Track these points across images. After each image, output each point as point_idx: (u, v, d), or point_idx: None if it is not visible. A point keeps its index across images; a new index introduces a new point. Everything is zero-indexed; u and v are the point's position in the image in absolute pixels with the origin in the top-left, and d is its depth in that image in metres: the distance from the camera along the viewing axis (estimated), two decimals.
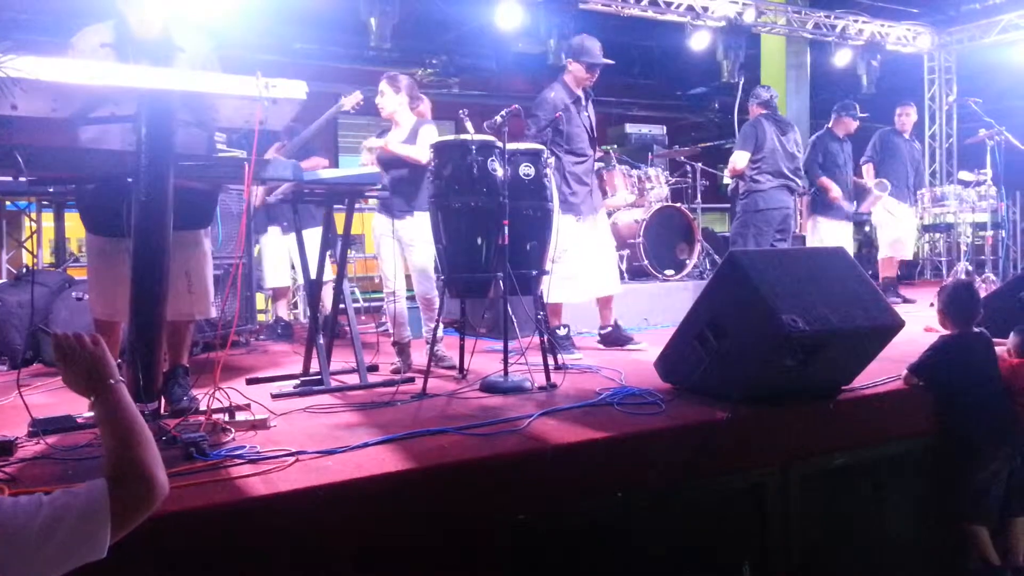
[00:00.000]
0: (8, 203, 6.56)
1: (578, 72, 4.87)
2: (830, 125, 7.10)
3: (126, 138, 2.95)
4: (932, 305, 3.84)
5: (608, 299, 5.08)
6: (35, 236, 6.76)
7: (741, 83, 8.99)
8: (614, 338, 5.04)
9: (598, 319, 5.14)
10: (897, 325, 3.32)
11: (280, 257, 6.05)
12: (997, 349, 3.60)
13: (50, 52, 2.66)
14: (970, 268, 7.97)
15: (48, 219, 6.83)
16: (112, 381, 1.52)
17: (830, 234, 6.84)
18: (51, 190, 5.58)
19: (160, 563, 2.00)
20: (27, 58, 2.46)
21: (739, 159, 6.30)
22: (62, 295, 4.73)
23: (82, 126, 3.10)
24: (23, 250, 6.87)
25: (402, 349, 4.36)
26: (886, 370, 3.62)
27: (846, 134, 7.03)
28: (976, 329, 3.57)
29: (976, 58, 11.10)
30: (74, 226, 7.96)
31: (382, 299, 4.85)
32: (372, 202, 8.31)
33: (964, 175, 8.20)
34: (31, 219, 6.76)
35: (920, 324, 4.88)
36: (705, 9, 9.39)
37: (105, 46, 3.14)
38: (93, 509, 1.38)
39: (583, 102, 4.93)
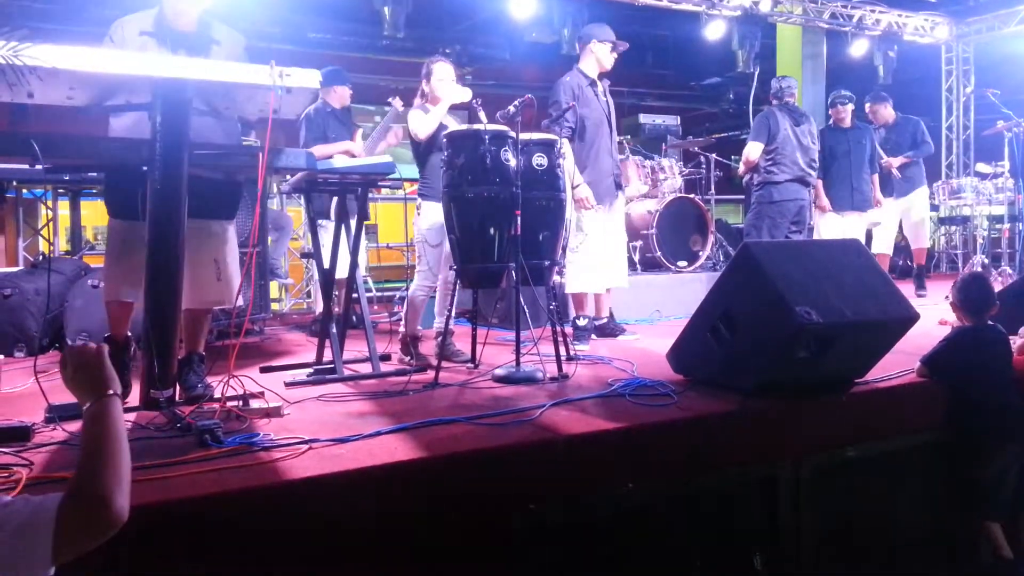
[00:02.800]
0: (25, 191, 6.62)
1: (602, 52, 4.88)
2: (830, 119, 7.00)
3: None
4: (947, 298, 3.82)
5: (608, 292, 5.10)
6: (51, 224, 6.81)
7: (756, 73, 8.93)
8: (609, 330, 5.07)
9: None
10: (912, 318, 3.30)
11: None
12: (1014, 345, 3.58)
13: (65, 40, 2.68)
14: (986, 261, 7.91)
15: (64, 207, 6.88)
16: (110, 392, 1.51)
17: (832, 227, 6.72)
18: (67, 178, 5.62)
19: (173, 548, 2.02)
20: (42, 46, 2.48)
21: (752, 150, 6.25)
22: (78, 283, 4.77)
23: (114, 114, 3.13)
24: (39, 238, 6.92)
25: (415, 342, 4.34)
26: (900, 363, 3.60)
27: (842, 121, 6.87)
28: (990, 323, 3.54)
29: (994, 49, 10.99)
30: (90, 214, 8.03)
31: (396, 289, 4.84)
32: (384, 192, 8.37)
33: (981, 167, 8.12)
34: (47, 207, 6.81)
35: (935, 317, 4.85)
36: None
37: (144, 34, 3.19)
38: (34, 525, 1.30)
39: (598, 86, 4.91)
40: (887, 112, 7.32)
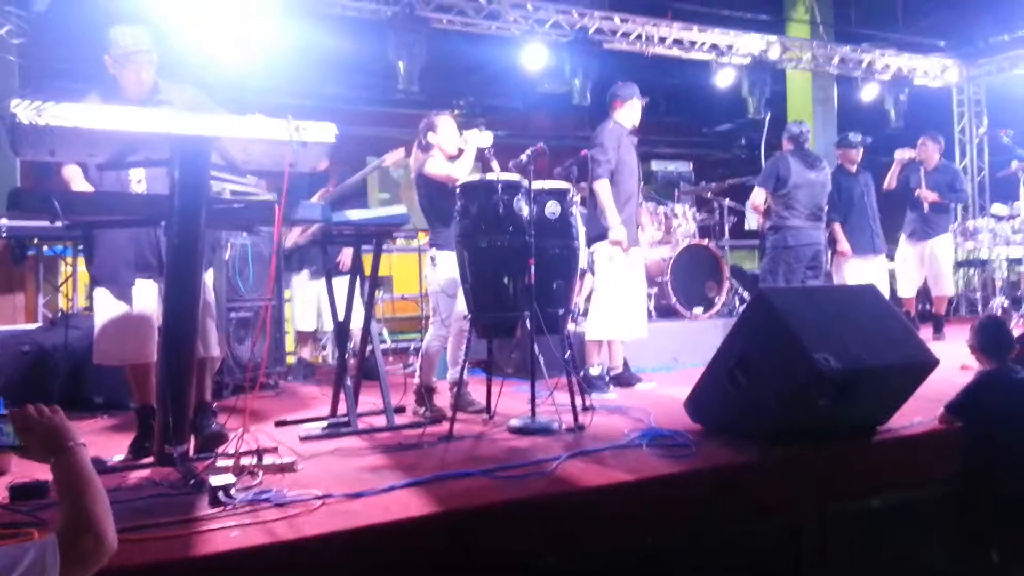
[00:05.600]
0: (46, 248, 6.70)
1: (636, 108, 5.04)
2: (839, 162, 7.01)
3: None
4: (967, 343, 3.77)
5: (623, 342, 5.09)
6: (71, 280, 6.87)
7: (767, 119, 8.98)
8: (624, 379, 5.04)
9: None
10: (931, 363, 3.26)
11: (308, 300, 6.08)
12: None
13: (85, 100, 2.74)
14: (1006, 304, 7.81)
15: (83, 263, 6.94)
16: (71, 444, 1.57)
17: (855, 273, 6.70)
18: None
19: None
20: (65, 105, 2.53)
21: (756, 196, 6.31)
22: None
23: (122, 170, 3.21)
24: (59, 294, 6.98)
25: (430, 393, 4.31)
26: (922, 409, 3.54)
27: (853, 164, 6.89)
28: (1012, 366, 3.48)
29: (1006, 89, 11.01)
30: None
31: (411, 340, 4.82)
32: (401, 242, 8.42)
33: (997, 208, 8.07)
34: (67, 263, 6.88)
35: (955, 362, 4.77)
36: (730, 47, 9.43)
37: None
38: (39, 567, 1.41)
39: (632, 139, 5.04)
40: (936, 153, 7.34)
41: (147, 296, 3.35)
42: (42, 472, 2.87)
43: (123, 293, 3.30)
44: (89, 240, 3.39)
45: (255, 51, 6.74)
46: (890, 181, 7.26)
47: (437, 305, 4.38)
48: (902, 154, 7.17)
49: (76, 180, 3.31)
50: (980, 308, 9.39)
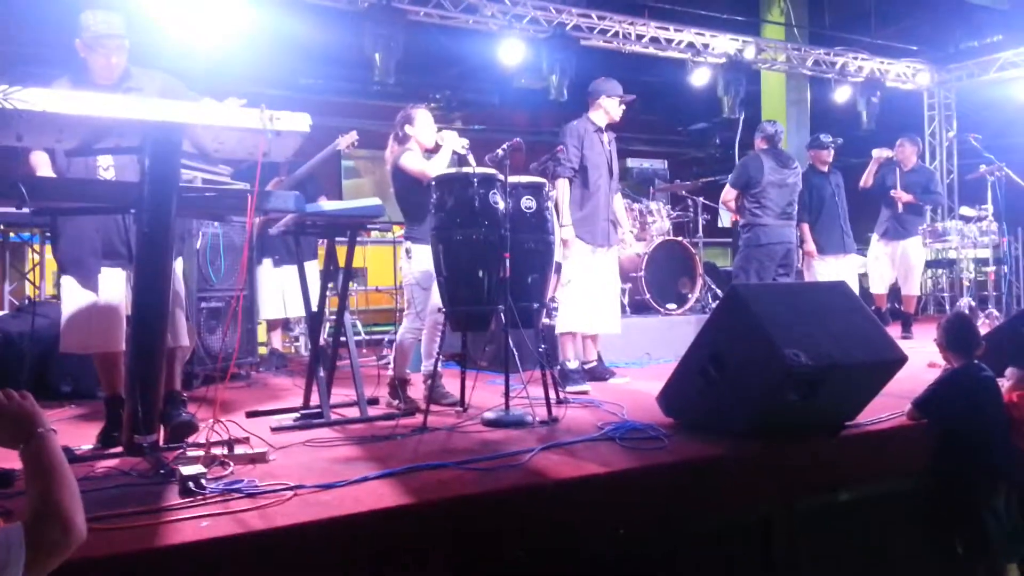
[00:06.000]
0: (12, 235, 6.59)
1: (610, 106, 5.02)
2: (810, 162, 7.10)
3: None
4: (934, 340, 3.83)
5: (595, 336, 5.10)
6: (38, 267, 6.77)
7: (742, 119, 9.06)
8: (598, 373, 5.05)
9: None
10: (900, 360, 3.31)
11: (273, 289, 6.04)
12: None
13: (53, 85, 2.69)
14: (973, 304, 7.94)
15: (51, 251, 6.85)
16: (40, 430, 1.55)
17: (826, 272, 6.77)
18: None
19: None
20: (32, 90, 2.48)
21: (727, 192, 6.44)
22: None
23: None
24: (26, 281, 6.88)
25: (403, 385, 4.30)
26: (888, 406, 3.60)
27: (825, 164, 6.98)
28: (978, 363, 3.55)
29: (975, 95, 11.19)
30: None
31: (384, 332, 4.80)
32: (375, 234, 8.38)
33: (965, 211, 8.20)
34: (34, 251, 6.78)
35: (922, 360, 4.85)
36: (706, 46, 9.49)
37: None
38: (3, 556, 1.37)
39: (604, 135, 5.02)
40: (913, 155, 7.43)
41: (115, 284, 3.31)
42: (7, 460, 2.82)
43: (89, 281, 3.25)
44: (55, 227, 3.34)
45: (230, 39, 6.66)
46: (866, 179, 7.37)
47: (412, 297, 4.36)
48: (879, 153, 7.29)
49: (43, 167, 3.26)
50: (948, 307, 9.55)
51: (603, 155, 4.99)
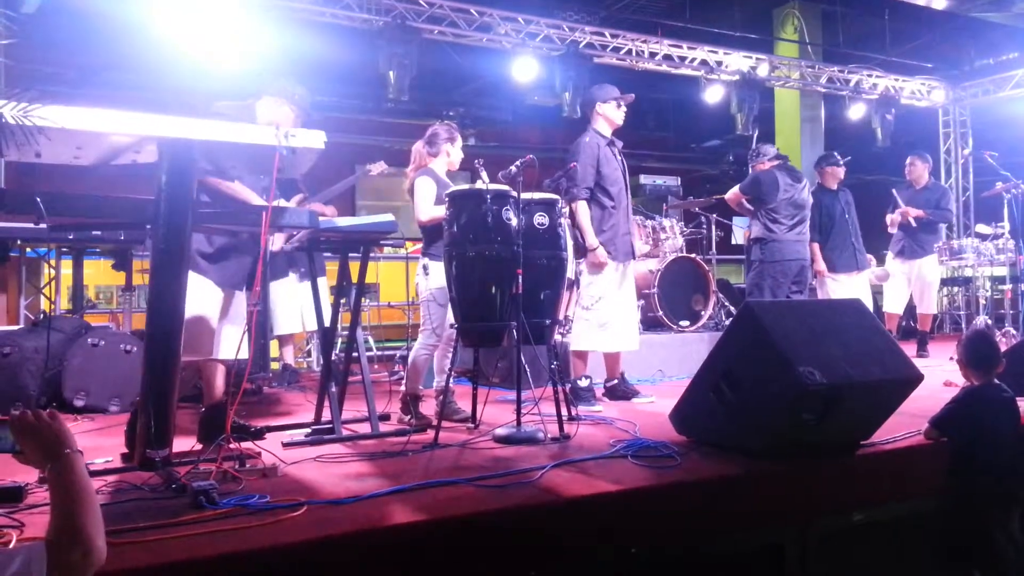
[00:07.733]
0: (28, 250, 6.65)
1: (610, 111, 4.94)
2: (819, 181, 7.07)
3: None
4: (952, 359, 3.79)
5: (619, 353, 5.04)
6: (53, 282, 6.83)
7: (755, 136, 9.05)
8: (621, 392, 4.98)
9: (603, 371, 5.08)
10: (916, 378, 3.27)
11: (292, 304, 6.06)
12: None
13: (73, 103, 2.72)
14: (990, 322, 7.87)
15: (67, 266, 6.91)
16: (68, 451, 1.56)
17: (840, 290, 6.73)
18: (71, 237, 5.65)
19: None
20: (51, 107, 2.51)
21: (732, 194, 6.46)
22: (78, 341, 4.75)
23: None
24: (41, 296, 6.93)
25: (415, 401, 4.29)
26: (904, 424, 3.56)
27: (836, 182, 6.97)
28: (997, 382, 3.50)
29: (991, 112, 11.16)
30: (92, 273, 8.05)
31: (396, 348, 4.80)
32: (388, 250, 8.40)
33: (982, 228, 8.14)
34: (50, 266, 6.84)
35: (939, 378, 4.81)
36: (719, 64, 9.51)
37: None
38: (26, 572, 1.38)
39: (615, 146, 4.98)
40: (924, 172, 7.41)
41: (205, 295, 3.47)
42: (20, 474, 2.83)
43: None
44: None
45: (247, 57, 6.73)
46: (892, 226, 7.36)
47: (428, 314, 4.36)
48: (906, 213, 7.24)
49: (244, 191, 3.53)
50: (964, 326, 9.46)
51: (619, 169, 4.94)
